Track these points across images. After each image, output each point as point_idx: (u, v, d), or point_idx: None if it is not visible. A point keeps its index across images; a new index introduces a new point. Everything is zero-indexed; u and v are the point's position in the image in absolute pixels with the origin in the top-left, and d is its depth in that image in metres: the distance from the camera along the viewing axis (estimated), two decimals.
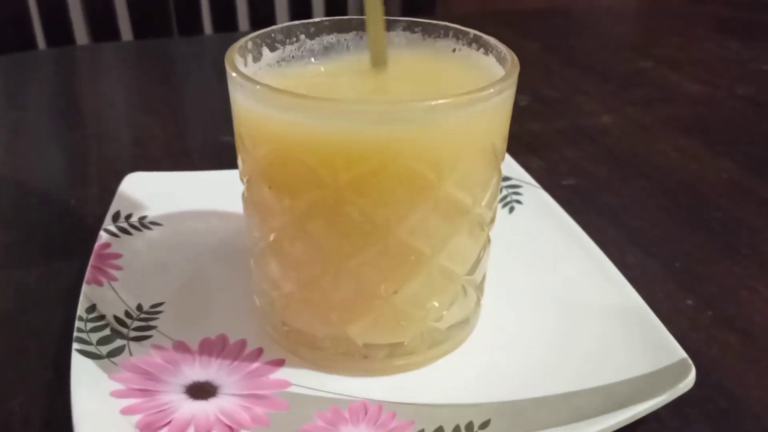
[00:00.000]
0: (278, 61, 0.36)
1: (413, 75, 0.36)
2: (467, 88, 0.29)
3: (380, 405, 0.33)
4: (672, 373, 0.32)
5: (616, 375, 0.33)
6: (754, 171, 0.57)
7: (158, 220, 0.46)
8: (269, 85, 0.29)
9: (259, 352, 0.36)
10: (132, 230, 0.44)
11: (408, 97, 0.30)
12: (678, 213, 0.51)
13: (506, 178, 0.50)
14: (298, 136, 0.29)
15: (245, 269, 0.41)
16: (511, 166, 0.51)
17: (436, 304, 0.34)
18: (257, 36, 0.35)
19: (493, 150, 0.32)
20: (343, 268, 0.31)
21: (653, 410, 0.31)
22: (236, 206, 0.45)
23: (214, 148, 0.60)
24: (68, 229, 0.48)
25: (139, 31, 0.95)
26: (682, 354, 0.33)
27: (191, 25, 0.96)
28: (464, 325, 0.36)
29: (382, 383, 0.34)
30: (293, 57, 0.37)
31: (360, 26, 0.38)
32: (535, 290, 0.40)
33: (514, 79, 0.31)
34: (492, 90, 0.29)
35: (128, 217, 0.45)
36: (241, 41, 0.34)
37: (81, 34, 0.92)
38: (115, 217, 0.45)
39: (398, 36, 0.38)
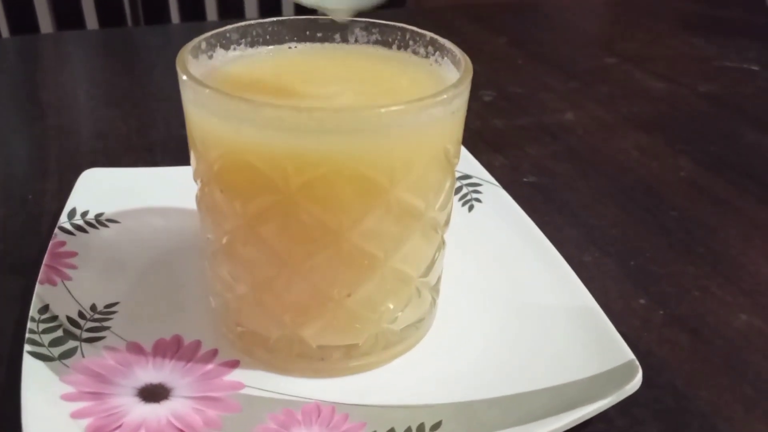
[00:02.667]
0: (233, 60, 0.36)
1: (367, 78, 0.36)
2: (421, 92, 0.29)
3: (333, 407, 0.33)
4: (619, 374, 0.33)
5: (567, 376, 0.33)
6: (711, 170, 0.58)
7: (115, 217, 0.45)
8: (218, 89, 0.28)
9: (213, 354, 0.36)
10: (88, 228, 0.44)
11: (359, 103, 0.30)
12: (636, 212, 0.52)
13: (467, 176, 0.50)
14: (248, 141, 0.29)
15: (200, 269, 0.41)
16: (472, 165, 0.51)
17: (391, 306, 0.34)
18: (212, 36, 0.35)
19: (445, 155, 0.32)
20: (295, 271, 0.31)
21: (601, 411, 0.31)
22: (194, 203, 0.46)
23: (176, 143, 0.59)
24: (24, 225, 0.48)
25: (105, 20, 0.94)
26: (630, 355, 0.33)
27: (159, 15, 0.95)
28: (419, 325, 0.36)
29: (337, 384, 0.34)
30: (248, 57, 0.37)
31: (315, 27, 0.38)
32: (490, 290, 0.40)
33: (466, 85, 0.31)
34: (444, 96, 0.29)
35: (84, 214, 0.45)
36: (195, 41, 0.34)
37: (45, 22, 0.91)
38: (71, 215, 0.44)
39: (355, 37, 0.38)
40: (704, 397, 0.36)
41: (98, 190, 0.47)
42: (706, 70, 0.80)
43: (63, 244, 0.42)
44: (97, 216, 0.45)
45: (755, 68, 0.80)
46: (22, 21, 0.90)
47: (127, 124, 0.63)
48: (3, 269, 0.43)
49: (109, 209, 0.46)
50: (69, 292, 0.38)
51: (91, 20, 0.94)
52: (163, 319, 0.37)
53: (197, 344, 0.36)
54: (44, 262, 0.40)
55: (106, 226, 0.44)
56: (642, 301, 0.42)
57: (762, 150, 0.62)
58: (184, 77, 0.30)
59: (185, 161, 0.54)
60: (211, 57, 0.35)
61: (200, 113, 0.30)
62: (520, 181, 0.55)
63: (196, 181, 0.34)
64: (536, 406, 0.32)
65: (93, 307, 0.38)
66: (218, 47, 0.36)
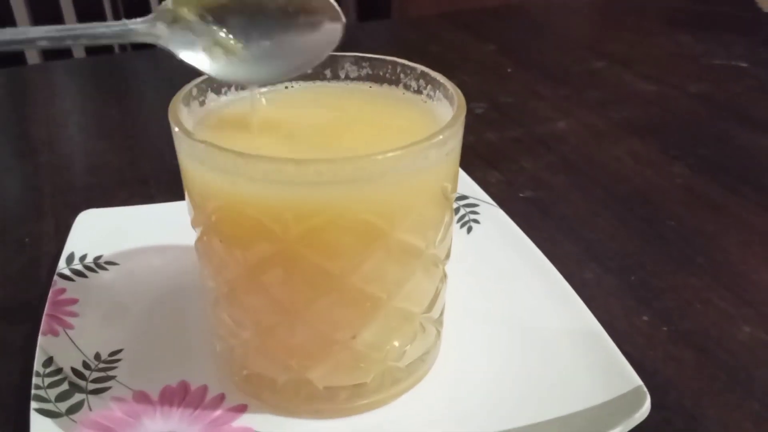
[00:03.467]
0: (225, 105, 0.36)
1: (361, 119, 0.36)
2: (416, 132, 0.29)
3: None
4: (628, 401, 0.33)
5: (575, 405, 0.33)
6: (706, 175, 0.58)
7: (114, 259, 0.45)
8: (212, 143, 0.28)
9: (221, 398, 0.35)
10: (87, 272, 0.44)
11: (356, 148, 0.30)
12: (634, 223, 0.52)
13: (463, 197, 0.50)
14: (245, 194, 0.29)
15: (203, 312, 0.40)
16: (468, 184, 0.51)
17: (396, 344, 0.34)
18: (202, 81, 0.35)
19: (443, 193, 0.32)
20: (299, 317, 0.31)
21: None
22: (191, 240, 0.46)
23: (170, 174, 0.59)
24: (23, 270, 0.47)
25: (91, 46, 0.93)
26: (637, 381, 0.33)
27: None
28: (425, 358, 0.36)
29: (346, 425, 0.34)
30: (240, 100, 0.36)
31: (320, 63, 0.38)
32: (493, 317, 0.40)
33: (460, 124, 0.31)
34: (440, 137, 0.29)
35: (83, 258, 0.45)
36: (186, 88, 0.34)
37: (32, 52, 0.90)
38: (69, 260, 0.44)
39: (346, 72, 0.38)
40: (713, 416, 0.36)
41: (95, 231, 0.47)
42: (695, 69, 0.80)
43: (63, 291, 0.42)
44: (96, 259, 0.45)
45: (743, 65, 0.80)
46: (8, 52, 0.89)
47: (120, 157, 0.63)
48: (3, 317, 0.43)
49: (107, 251, 0.45)
50: (72, 341, 0.38)
51: (79, 47, 0.93)
52: (168, 365, 0.37)
53: (204, 390, 0.36)
54: (45, 311, 0.40)
55: (105, 269, 0.44)
56: (645, 317, 0.42)
57: (755, 151, 0.62)
58: (177, 129, 0.30)
59: (180, 193, 0.54)
60: (203, 103, 0.35)
61: (195, 165, 0.30)
62: (517, 196, 0.55)
63: (194, 228, 0.34)
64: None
65: (97, 356, 0.38)
66: (209, 92, 0.35)
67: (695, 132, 0.66)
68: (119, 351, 0.38)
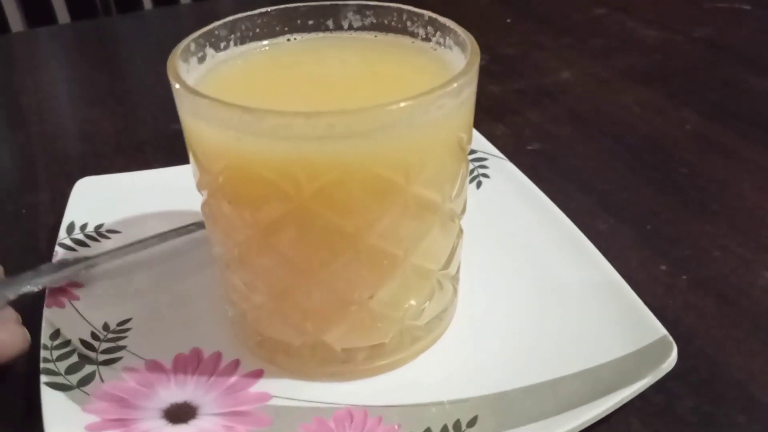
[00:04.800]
0: (224, 61, 0.34)
1: (369, 70, 0.34)
2: (427, 81, 0.28)
3: (365, 410, 0.32)
4: (654, 351, 0.32)
5: (599, 357, 0.33)
6: (716, 120, 0.57)
7: (115, 227, 0.44)
8: (216, 98, 0.27)
9: (235, 365, 0.35)
10: (89, 242, 0.42)
11: (365, 101, 0.29)
12: (645, 172, 0.51)
13: (472, 151, 0.48)
14: (253, 151, 0.27)
15: (213, 276, 0.39)
16: (476, 138, 0.49)
17: (413, 303, 0.33)
18: (200, 36, 0.33)
19: (459, 143, 0.30)
20: (314, 278, 0.30)
21: (638, 393, 0.31)
22: (195, 205, 0.44)
23: (166, 139, 0.58)
24: (21, 243, 0.46)
25: (75, 11, 0.90)
26: (663, 331, 0.33)
27: (130, 2, 0.92)
28: (442, 316, 0.35)
29: (365, 386, 0.33)
30: (240, 55, 0.35)
31: (305, 15, 0.36)
32: (508, 271, 0.39)
33: (475, 71, 0.29)
34: (454, 85, 0.28)
35: (83, 227, 0.43)
36: (183, 44, 0.32)
37: (15, 20, 0.88)
38: (70, 229, 0.43)
39: (349, 21, 0.36)
40: (737, 363, 0.35)
41: (94, 199, 0.45)
42: (698, 13, 0.78)
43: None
44: (97, 228, 0.43)
45: (747, 7, 0.78)
46: None
47: (113, 124, 0.61)
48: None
49: (108, 219, 0.44)
50: (79, 312, 0.37)
51: (62, 13, 0.90)
52: (180, 333, 0.36)
53: (218, 356, 0.35)
54: (42, 267, 0.38)
55: (107, 237, 0.43)
56: (663, 267, 0.41)
57: (765, 95, 0.61)
58: (178, 86, 0.29)
59: (178, 159, 0.53)
60: (202, 59, 0.33)
61: (199, 124, 0.29)
62: (524, 149, 0.54)
63: (200, 191, 0.33)
64: (572, 392, 0.31)
65: (105, 327, 0.37)
66: (208, 47, 0.34)
67: (702, 77, 0.64)
68: (128, 320, 0.37)
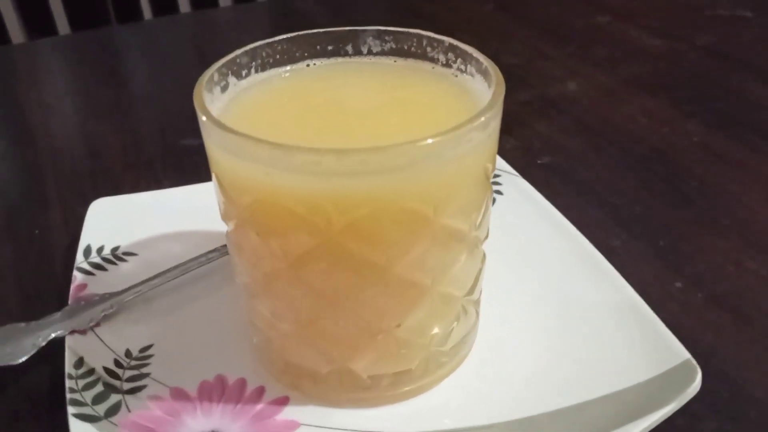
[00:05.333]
0: (247, 90, 0.34)
1: (392, 96, 0.34)
2: (452, 109, 0.28)
3: None
4: (678, 375, 0.32)
5: (623, 381, 0.33)
6: (723, 131, 0.57)
7: (132, 249, 0.44)
8: (247, 134, 0.27)
9: (260, 392, 0.35)
10: (106, 265, 0.42)
11: (393, 134, 0.29)
12: (655, 185, 0.51)
13: None
14: (284, 186, 0.27)
15: (233, 301, 0.39)
16: None
17: (439, 329, 0.33)
18: (222, 65, 0.33)
19: (485, 174, 0.31)
20: (342, 308, 0.30)
21: (665, 418, 0.31)
22: (211, 225, 0.44)
23: (175, 155, 0.58)
24: (37, 265, 0.46)
25: (75, 22, 0.90)
26: (686, 355, 0.33)
27: (130, 11, 0.91)
28: (466, 339, 0.36)
29: (391, 412, 0.34)
30: (262, 83, 0.35)
31: (325, 40, 0.36)
32: (528, 292, 0.39)
33: (500, 102, 0.29)
34: (482, 119, 0.28)
35: (100, 250, 0.43)
36: (207, 74, 0.32)
37: (15, 31, 0.87)
38: (87, 252, 0.43)
39: (368, 46, 0.36)
40: (757, 381, 0.35)
41: (109, 221, 0.45)
42: (700, 20, 0.79)
43: (84, 286, 0.40)
44: (113, 251, 0.43)
45: (748, 15, 0.79)
46: None
47: (121, 139, 0.61)
48: (23, 315, 0.42)
49: (124, 241, 0.44)
50: (100, 339, 0.37)
51: (62, 23, 0.90)
52: (202, 359, 0.36)
53: (242, 383, 0.35)
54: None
55: (124, 260, 0.43)
56: (678, 284, 0.42)
57: None
58: (204, 119, 0.29)
59: (188, 176, 0.53)
60: (224, 88, 0.33)
61: (227, 157, 0.29)
62: (535, 163, 0.54)
63: (225, 221, 0.33)
64: (599, 418, 0.31)
65: (128, 353, 0.37)
66: (230, 75, 0.34)
67: (706, 86, 0.65)
68: (149, 347, 0.37)
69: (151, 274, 0.41)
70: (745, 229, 0.46)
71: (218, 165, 0.30)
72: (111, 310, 0.38)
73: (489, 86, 0.32)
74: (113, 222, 0.45)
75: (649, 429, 0.31)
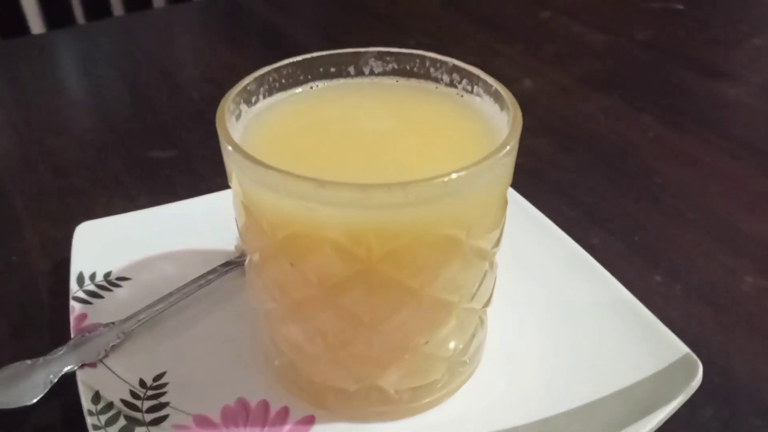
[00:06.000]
0: (257, 115, 0.34)
1: (406, 120, 0.35)
2: (468, 134, 0.29)
3: None
4: (680, 369, 0.35)
5: (630, 377, 0.35)
6: (673, 126, 0.61)
7: (124, 273, 0.43)
8: (288, 171, 0.27)
9: (285, 413, 0.35)
10: (102, 292, 0.42)
11: (421, 163, 0.30)
12: (622, 181, 0.54)
13: None
14: (324, 219, 0.28)
15: (238, 318, 0.40)
16: None
17: (461, 342, 0.35)
18: (236, 95, 0.33)
19: (506, 193, 0.32)
20: (375, 330, 0.31)
21: (674, 412, 0.33)
22: (200, 244, 0.44)
23: (144, 169, 0.56)
24: (22, 294, 0.44)
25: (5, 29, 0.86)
26: (685, 349, 0.36)
27: (62, 15, 0.87)
28: (480, 348, 0.37)
29: (414, 424, 0.35)
30: (271, 108, 0.35)
31: (327, 62, 0.37)
32: (528, 297, 0.41)
33: (519, 126, 0.31)
34: (508, 147, 0.29)
35: (92, 277, 0.42)
36: (224, 104, 0.32)
37: None
38: (80, 280, 0.42)
39: (370, 67, 0.37)
40: (742, 367, 0.39)
41: (97, 245, 0.44)
42: (636, 14, 0.83)
43: (84, 317, 0.40)
44: (106, 276, 0.43)
45: (680, 7, 0.83)
46: None
47: (82, 153, 0.59)
48: (19, 351, 0.40)
49: (115, 266, 0.43)
50: (111, 370, 0.37)
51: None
52: (219, 383, 0.37)
53: (265, 405, 0.35)
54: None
55: (119, 286, 0.42)
56: (658, 278, 0.45)
57: (714, 98, 0.65)
58: (237, 154, 0.29)
59: (161, 191, 0.52)
60: (238, 116, 0.33)
61: (263, 193, 0.29)
62: None
63: (248, 251, 0.33)
64: (614, 415, 0.34)
65: (142, 383, 0.36)
66: (242, 103, 0.34)
67: (652, 81, 0.69)
68: (162, 374, 0.37)
69: (150, 299, 0.41)
70: (709, 222, 0.50)
71: (251, 199, 0.30)
72: (118, 341, 0.38)
73: (501, 109, 0.33)
74: (101, 246, 0.44)
75: (662, 422, 0.33)
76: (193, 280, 0.42)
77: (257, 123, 0.34)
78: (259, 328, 0.37)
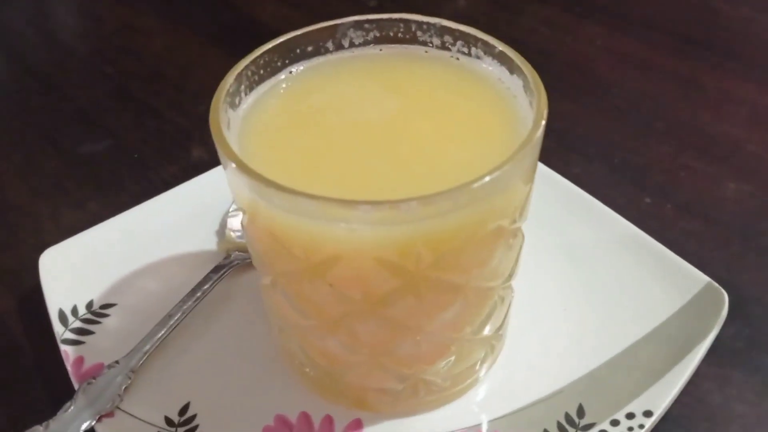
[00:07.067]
0: (245, 118, 0.31)
1: (406, 96, 0.32)
2: (482, 107, 0.28)
3: (478, 429, 0.33)
4: (706, 300, 0.35)
5: (659, 315, 0.36)
6: (618, 30, 0.60)
7: (108, 299, 0.39)
8: (327, 197, 0.24)
9: (329, 421, 0.34)
10: (90, 327, 0.38)
11: (442, 147, 0.28)
12: (583, 99, 0.54)
13: None
14: (372, 239, 0.26)
15: (246, 325, 0.37)
16: None
17: (499, 320, 0.34)
18: (222, 101, 0.29)
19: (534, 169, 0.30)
20: (423, 332, 0.30)
21: (712, 342, 0.34)
22: (173, 249, 0.42)
23: (81, 167, 0.51)
24: None
25: None
26: (705, 278, 0.36)
27: None
28: (507, 319, 0.36)
29: (461, 408, 0.34)
30: (254, 105, 0.32)
31: (305, 42, 0.33)
32: (539, 246, 0.40)
33: (545, 104, 0.29)
34: (540, 131, 0.27)
35: (75, 312, 0.38)
36: (217, 118, 0.28)
37: None
38: (63, 319, 0.38)
39: (349, 39, 0.34)
40: (746, 279, 0.40)
41: (67, 273, 0.40)
42: None
43: (81, 360, 0.36)
44: (89, 307, 0.39)
45: None
46: None
47: (7, 158, 0.53)
48: (14, 412, 0.36)
49: (95, 292, 0.39)
50: (132, 415, 0.34)
51: None
52: (249, 403, 0.35)
53: (306, 417, 0.34)
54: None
55: (106, 315, 0.39)
56: (648, 200, 0.45)
57: None
58: (262, 186, 0.25)
59: (108, 190, 0.48)
60: (228, 124, 0.30)
61: (297, 219, 0.26)
62: None
63: (270, 275, 0.30)
64: (652, 359, 0.34)
65: (169, 421, 0.34)
66: (228, 109, 0.30)
67: None
68: (187, 406, 0.34)
69: (144, 324, 0.37)
70: (679, 130, 0.50)
71: (278, 226, 0.27)
72: (129, 381, 0.35)
73: (511, 72, 0.31)
74: (72, 273, 0.40)
75: (701, 360, 0.34)
76: (188, 295, 0.38)
77: (248, 129, 0.31)
78: (284, 340, 0.35)
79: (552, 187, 0.43)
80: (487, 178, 0.25)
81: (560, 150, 0.49)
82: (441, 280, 0.28)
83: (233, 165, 0.26)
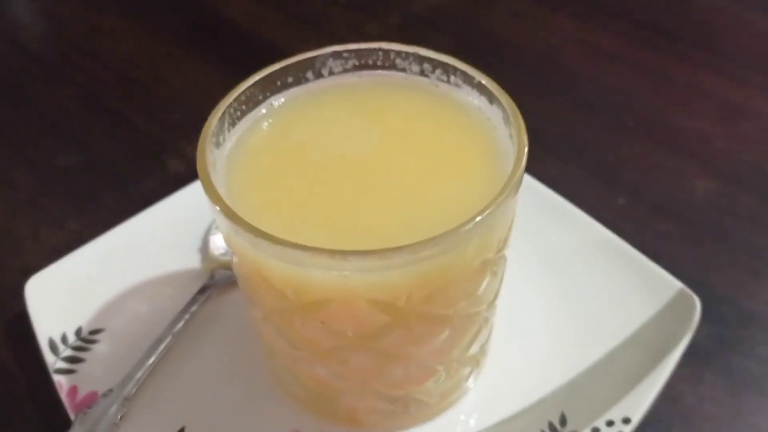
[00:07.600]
0: (229, 156, 0.31)
1: (394, 130, 0.33)
2: (463, 137, 0.30)
3: None
4: (679, 306, 0.37)
5: (634, 322, 0.37)
6: (588, 22, 0.61)
7: (96, 325, 0.40)
8: (321, 248, 0.25)
9: None
10: (81, 354, 0.38)
11: (425, 178, 0.29)
12: (555, 95, 0.54)
13: None
14: (363, 284, 0.26)
15: (235, 346, 0.38)
16: None
17: (484, 337, 0.35)
18: (208, 142, 0.29)
19: None
20: (413, 359, 0.31)
21: (682, 351, 0.36)
22: (158, 268, 0.42)
23: (58, 182, 0.51)
24: None
25: None
26: (678, 284, 0.38)
27: None
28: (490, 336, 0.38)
29: (451, 419, 0.35)
30: (238, 144, 0.32)
31: (284, 74, 0.33)
32: (517, 253, 0.41)
33: (525, 141, 0.30)
34: (519, 173, 0.28)
35: (64, 339, 0.39)
36: (203, 161, 0.29)
37: None
38: (53, 348, 0.38)
39: (329, 68, 0.34)
40: (717, 279, 0.42)
41: (54, 300, 0.40)
42: None
43: (75, 390, 0.37)
44: (78, 334, 0.39)
45: None
46: None
47: None
48: None
49: (83, 319, 0.40)
50: None
51: None
52: (245, 423, 0.35)
53: None
54: (78, 424, 0.35)
55: (95, 341, 0.39)
56: (621, 200, 0.46)
57: None
58: (251, 236, 0.26)
59: (84, 204, 0.48)
60: (213, 164, 0.30)
61: (289, 268, 0.26)
62: None
63: (260, 310, 0.31)
64: (629, 364, 0.36)
65: None
66: (213, 148, 0.30)
67: None
68: (182, 430, 0.35)
69: (133, 349, 0.38)
70: (648, 126, 0.51)
71: (269, 271, 0.28)
72: (125, 409, 0.35)
73: (490, 102, 0.32)
74: (59, 300, 0.40)
75: (675, 365, 0.35)
76: (176, 318, 0.39)
77: (233, 167, 0.31)
78: (274, 364, 0.35)
79: (528, 193, 0.43)
80: (475, 220, 0.26)
81: (535, 149, 0.50)
82: (430, 314, 0.29)
83: (224, 216, 0.27)
